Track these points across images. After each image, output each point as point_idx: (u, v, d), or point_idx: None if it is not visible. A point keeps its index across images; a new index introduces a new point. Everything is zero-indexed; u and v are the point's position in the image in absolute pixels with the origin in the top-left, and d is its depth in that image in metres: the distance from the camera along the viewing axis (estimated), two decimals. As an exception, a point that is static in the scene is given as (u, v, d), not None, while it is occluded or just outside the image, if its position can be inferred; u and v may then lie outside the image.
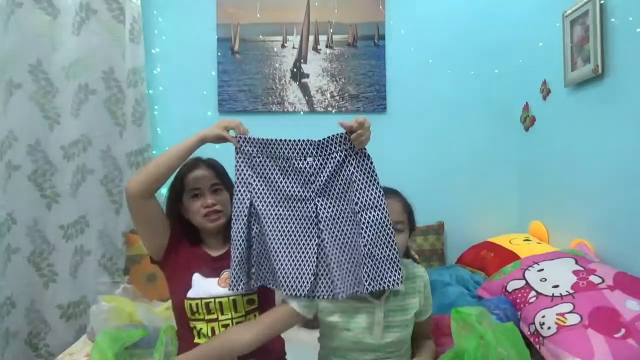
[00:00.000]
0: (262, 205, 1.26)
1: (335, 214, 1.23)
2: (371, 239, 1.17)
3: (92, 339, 1.52)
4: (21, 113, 2.14)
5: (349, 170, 1.22)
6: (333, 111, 2.57)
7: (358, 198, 1.20)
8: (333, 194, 1.24)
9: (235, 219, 1.26)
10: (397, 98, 2.57)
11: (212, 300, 1.31)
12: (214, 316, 1.32)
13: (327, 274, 1.24)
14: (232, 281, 1.27)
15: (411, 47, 2.58)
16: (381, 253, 1.17)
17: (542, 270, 1.66)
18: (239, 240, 1.25)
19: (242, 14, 2.57)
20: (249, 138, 1.27)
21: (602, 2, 1.76)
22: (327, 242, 1.23)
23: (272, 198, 1.27)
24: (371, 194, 1.20)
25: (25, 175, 2.17)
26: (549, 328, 1.39)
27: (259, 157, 1.27)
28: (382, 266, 1.17)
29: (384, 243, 1.17)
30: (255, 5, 2.57)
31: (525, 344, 1.12)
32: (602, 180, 1.80)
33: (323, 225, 1.23)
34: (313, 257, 1.24)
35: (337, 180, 1.23)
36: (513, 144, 2.54)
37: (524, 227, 2.39)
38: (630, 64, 1.65)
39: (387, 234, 1.18)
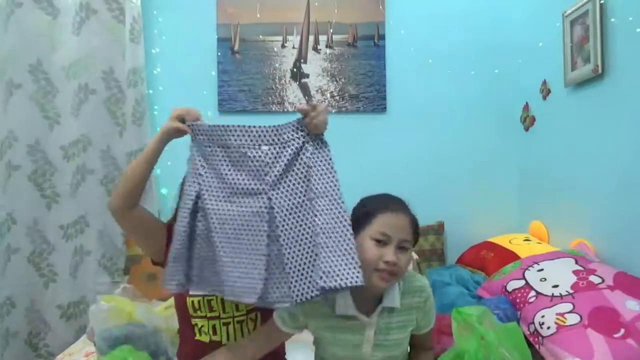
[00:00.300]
0: (210, 200, 1.16)
1: (292, 205, 1.14)
2: (326, 228, 1.09)
3: (92, 339, 1.52)
4: (21, 113, 2.14)
5: (307, 157, 1.15)
6: (333, 111, 2.57)
7: (314, 185, 1.13)
8: (289, 184, 1.15)
9: (181, 212, 1.18)
10: (397, 98, 2.57)
11: (215, 297, 1.30)
12: (216, 314, 1.32)
13: (280, 278, 1.13)
14: (166, 278, 1.17)
15: (411, 47, 2.58)
16: (335, 245, 1.08)
17: (542, 270, 1.66)
18: (181, 235, 1.16)
19: (242, 14, 2.57)
20: (201, 125, 1.18)
21: (602, 2, 1.75)
22: (283, 237, 1.13)
23: (220, 192, 1.17)
24: (327, 182, 1.13)
25: (25, 175, 2.16)
26: (548, 328, 1.39)
27: (210, 147, 1.19)
28: (337, 260, 1.08)
29: (339, 234, 1.09)
30: (255, 5, 2.57)
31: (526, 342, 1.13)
32: (602, 180, 1.80)
33: (279, 219, 1.13)
34: (262, 259, 1.13)
35: (295, 169, 1.16)
36: (513, 144, 2.54)
37: (524, 227, 2.39)
38: (630, 64, 1.65)
39: (343, 224, 1.10)
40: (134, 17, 2.34)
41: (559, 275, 1.58)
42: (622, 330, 1.29)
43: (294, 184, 1.15)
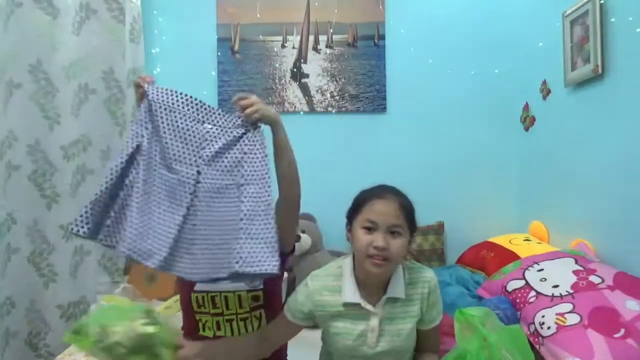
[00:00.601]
0: (146, 156, 1.18)
1: (220, 185, 1.17)
2: (250, 215, 1.12)
3: (92, 339, 1.52)
4: (21, 113, 2.14)
5: (244, 145, 1.19)
6: (333, 111, 2.57)
7: (245, 171, 1.16)
8: (222, 165, 1.18)
9: (119, 154, 1.17)
10: (397, 98, 2.57)
11: (218, 294, 1.31)
12: (219, 310, 1.32)
13: (185, 250, 1.14)
14: (76, 220, 1.13)
15: (411, 47, 2.58)
16: (257, 231, 1.11)
17: (542, 270, 1.66)
18: (111, 178, 1.14)
19: (242, 14, 2.57)
20: (156, 87, 1.22)
21: (602, 2, 1.75)
22: (201, 213, 1.15)
23: (157, 153, 1.19)
24: (258, 170, 1.17)
25: (25, 175, 2.16)
26: (548, 328, 1.39)
27: (160, 106, 1.20)
28: (256, 246, 1.10)
29: (262, 221, 1.12)
30: (255, 5, 2.57)
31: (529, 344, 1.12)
32: (602, 180, 1.80)
33: (202, 195, 1.15)
34: (175, 228, 1.13)
35: (230, 152, 1.19)
36: (513, 144, 2.54)
37: (524, 227, 2.39)
38: (630, 64, 1.65)
39: (266, 213, 1.13)
40: (134, 17, 2.34)
41: (559, 275, 1.58)
42: (622, 330, 1.29)
43: (226, 166, 1.18)
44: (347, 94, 2.58)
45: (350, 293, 1.20)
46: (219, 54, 2.56)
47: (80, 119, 2.26)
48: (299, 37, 2.58)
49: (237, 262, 1.09)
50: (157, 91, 1.21)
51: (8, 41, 2.10)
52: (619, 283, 1.47)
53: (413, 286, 1.22)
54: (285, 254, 1.40)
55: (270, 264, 1.09)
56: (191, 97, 1.21)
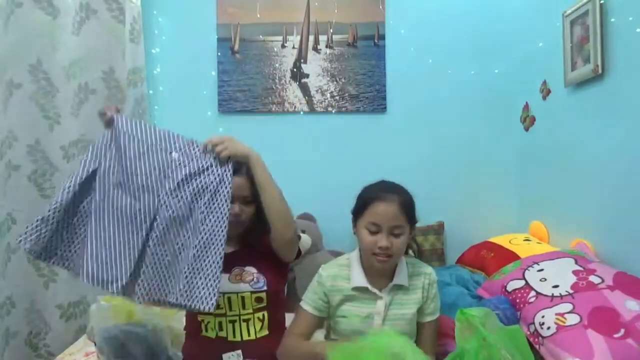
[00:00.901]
0: (105, 179, 1.19)
1: (177, 215, 1.18)
2: (201, 247, 1.15)
3: (92, 339, 1.52)
4: (21, 113, 2.14)
5: (208, 178, 1.21)
6: (333, 111, 2.57)
7: (205, 204, 1.18)
8: (183, 196, 1.20)
9: (70, 178, 1.18)
10: (397, 98, 2.57)
11: (222, 295, 1.32)
12: (222, 311, 1.33)
13: (144, 276, 1.16)
14: (24, 233, 1.15)
15: (411, 47, 2.58)
16: (203, 266, 1.14)
17: (542, 270, 1.66)
18: (62, 199, 1.15)
19: (242, 14, 2.57)
20: (124, 115, 1.25)
21: (602, 2, 1.75)
22: (155, 242, 1.17)
23: (118, 177, 1.19)
24: (218, 203, 1.19)
25: (25, 175, 2.16)
26: (548, 328, 1.39)
27: (126, 137, 1.22)
28: (199, 281, 1.14)
29: (211, 257, 1.15)
30: (255, 5, 2.57)
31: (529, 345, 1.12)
32: (602, 180, 1.80)
33: (159, 223, 1.17)
34: (133, 256, 1.16)
35: (193, 184, 1.20)
36: (513, 144, 2.54)
37: (524, 227, 2.39)
38: (630, 64, 1.65)
39: (217, 249, 1.15)
40: (134, 17, 2.34)
41: (559, 276, 1.58)
42: (622, 331, 1.29)
43: (187, 197, 1.20)
44: (347, 94, 2.58)
45: (359, 278, 1.34)
46: (219, 54, 2.56)
47: (80, 119, 2.26)
48: (299, 37, 2.58)
49: (179, 291, 1.14)
50: (124, 120, 1.23)
51: (8, 41, 2.10)
52: (619, 283, 1.47)
53: (415, 277, 1.38)
54: (290, 261, 1.43)
55: (206, 304, 1.13)
56: (158, 128, 1.24)
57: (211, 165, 1.22)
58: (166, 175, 1.20)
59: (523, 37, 2.44)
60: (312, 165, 2.48)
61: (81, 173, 1.19)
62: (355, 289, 1.33)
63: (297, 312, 1.37)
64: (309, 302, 1.35)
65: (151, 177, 1.20)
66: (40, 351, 2.20)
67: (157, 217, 1.18)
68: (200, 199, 1.19)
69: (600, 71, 1.76)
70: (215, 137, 1.26)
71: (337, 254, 2.30)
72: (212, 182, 1.20)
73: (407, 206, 1.30)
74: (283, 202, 1.30)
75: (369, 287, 1.32)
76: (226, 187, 1.21)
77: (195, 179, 1.21)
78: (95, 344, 1.46)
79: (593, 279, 1.51)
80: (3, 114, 2.11)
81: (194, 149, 1.24)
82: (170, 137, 1.24)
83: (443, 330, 1.46)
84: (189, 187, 1.20)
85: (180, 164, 1.21)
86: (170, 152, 1.22)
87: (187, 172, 1.21)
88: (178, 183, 1.20)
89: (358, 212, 1.34)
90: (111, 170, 1.21)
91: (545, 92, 2.24)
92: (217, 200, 1.19)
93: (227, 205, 1.19)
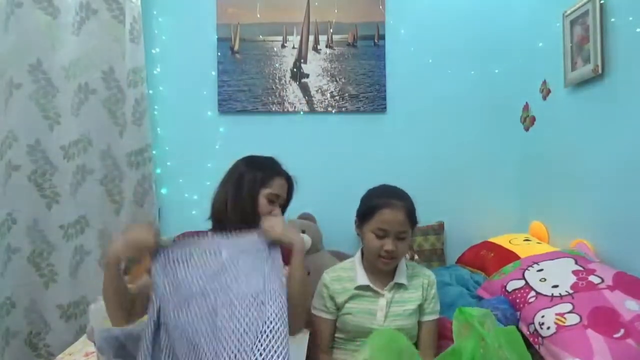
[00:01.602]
0: (168, 312, 1.13)
1: (239, 307, 1.11)
2: (271, 330, 1.06)
3: (92, 339, 1.51)
4: (21, 113, 2.14)
5: (260, 263, 1.17)
6: (333, 111, 2.57)
7: (266, 288, 1.12)
8: (240, 286, 1.13)
9: (146, 327, 1.15)
10: (397, 98, 2.57)
11: None
12: None
13: None
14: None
15: (411, 47, 2.58)
16: (276, 346, 1.05)
17: (541, 270, 1.66)
18: (146, 347, 1.12)
19: (242, 14, 2.57)
20: (165, 242, 1.19)
21: (602, 2, 1.75)
22: (223, 335, 1.09)
23: (175, 299, 1.13)
24: (276, 287, 1.13)
25: (25, 175, 2.16)
26: (548, 328, 1.39)
27: (171, 262, 1.17)
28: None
29: (282, 339, 1.06)
30: (255, 5, 2.57)
31: (525, 345, 1.13)
32: (603, 180, 1.80)
33: (220, 319, 1.10)
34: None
35: (247, 272, 1.15)
36: (513, 144, 2.54)
37: (524, 227, 2.39)
38: (630, 64, 1.65)
39: (284, 330, 1.08)
40: (134, 17, 2.33)
41: (558, 276, 1.58)
42: (622, 331, 1.29)
43: (243, 288, 1.14)
44: (347, 94, 2.58)
45: (362, 278, 1.45)
46: (219, 54, 2.56)
47: (80, 119, 2.26)
48: (299, 37, 2.58)
49: None
50: (168, 253, 1.17)
51: (8, 41, 2.10)
52: (619, 283, 1.47)
53: (415, 278, 1.48)
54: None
55: None
56: (202, 237, 1.19)
57: (263, 251, 1.18)
58: (219, 274, 1.15)
59: (523, 37, 2.44)
60: (312, 165, 2.46)
61: (153, 315, 1.14)
62: (359, 287, 1.44)
63: (313, 322, 1.46)
64: (319, 308, 1.45)
65: (204, 280, 1.14)
66: (40, 351, 2.20)
67: (217, 315, 1.11)
68: (258, 285, 1.13)
69: (600, 71, 1.76)
70: (270, 217, 1.26)
71: (337, 254, 2.31)
72: (265, 266, 1.16)
73: (412, 212, 1.41)
74: (301, 294, 1.24)
75: (372, 285, 1.43)
76: (278, 268, 1.17)
77: (250, 267, 1.16)
78: (95, 344, 1.46)
79: (593, 279, 1.51)
80: (3, 114, 2.11)
81: (240, 242, 1.19)
82: (215, 239, 1.19)
83: (443, 332, 1.46)
84: (242, 277, 1.15)
85: (231, 258, 1.16)
86: (221, 252, 1.17)
87: (241, 264, 1.16)
88: (233, 276, 1.15)
89: (364, 216, 1.42)
90: (167, 297, 1.14)
91: (545, 92, 2.24)
92: (274, 281, 1.14)
93: (282, 281, 1.15)
